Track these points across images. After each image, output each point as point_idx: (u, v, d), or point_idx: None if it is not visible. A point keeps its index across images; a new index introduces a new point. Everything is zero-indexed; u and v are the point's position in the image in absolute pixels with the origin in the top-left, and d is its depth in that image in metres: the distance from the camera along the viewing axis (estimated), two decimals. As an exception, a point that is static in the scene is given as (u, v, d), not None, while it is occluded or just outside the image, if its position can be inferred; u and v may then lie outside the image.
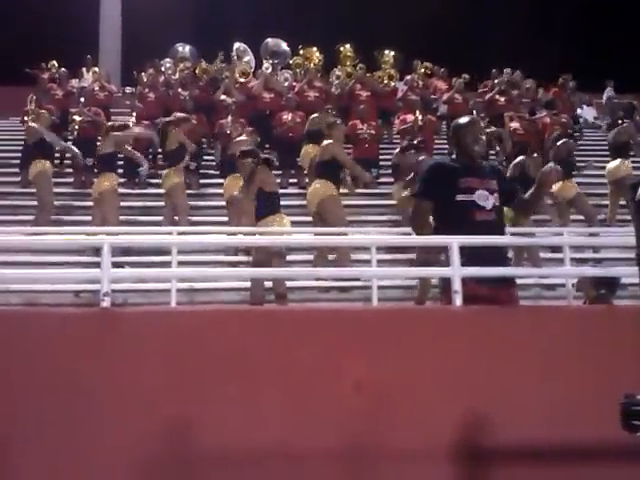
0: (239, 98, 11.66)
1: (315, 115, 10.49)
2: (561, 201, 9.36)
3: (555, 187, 9.32)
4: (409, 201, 7.27)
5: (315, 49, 13.34)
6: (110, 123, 9.80)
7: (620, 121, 10.61)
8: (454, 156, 4.29)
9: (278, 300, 6.77)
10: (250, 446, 3.13)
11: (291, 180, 10.99)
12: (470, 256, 3.68)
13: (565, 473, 3.20)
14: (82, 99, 11.66)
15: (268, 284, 7.04)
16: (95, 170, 9.66)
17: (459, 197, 3.74)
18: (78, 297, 7.60)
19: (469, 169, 3.84)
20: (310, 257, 8.29)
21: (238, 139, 9.07)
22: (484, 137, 4.08)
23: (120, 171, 9.95)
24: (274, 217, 6.97)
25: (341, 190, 8.52)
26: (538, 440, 3.19)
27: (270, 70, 12.60)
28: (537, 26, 19.92)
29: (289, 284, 7.53)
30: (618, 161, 10.08)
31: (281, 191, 10.41)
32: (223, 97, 11.77)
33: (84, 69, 14.08)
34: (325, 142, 8.25)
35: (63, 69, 13.11)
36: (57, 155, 10.91)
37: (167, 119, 9.75)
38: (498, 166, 4.68)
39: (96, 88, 12.52)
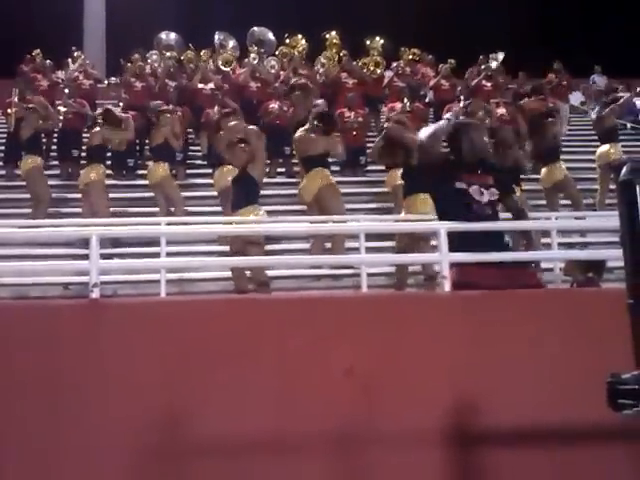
0: (217, 82, 11.58)
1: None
2: (548, 186, 9.37)
3: (542, 172, 9.35)
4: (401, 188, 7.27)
5: (300, 37, 13.26)
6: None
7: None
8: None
9: (259, 288, 6.67)
10: (242, 434, 3.15)
11: (279, 169, 10.97)
12: (462, 243, 3.76)
13: (557, 454, 3.24)
14: (67, 90, 11.52)
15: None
16: (83, 162, 9.65)
17: (458, 185, 3.96)
18: (67, 289, 7.57)
19: (465, 165, 4.07)
20: (300, 246, 8.29)
21: (230, 124, 8.37)
22: (485, 139, 4.27)
23: (108, 162, 9.94)
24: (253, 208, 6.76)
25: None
26: (528, 422, 3.22)
27: (257, 60, 12.52)
28: (527, 11, 19.91)
29: (280, 272, 7.53)
30: (608, 145, 10.15)
31: (270, 180, 10.45)
32: (201, 85, 11.70)
33: (69, 60, 13.93)
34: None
35: (48, 60, 12.97)
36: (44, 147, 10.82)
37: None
38: (495, 163, 4.88)
39: (80, 77, 12.37)
